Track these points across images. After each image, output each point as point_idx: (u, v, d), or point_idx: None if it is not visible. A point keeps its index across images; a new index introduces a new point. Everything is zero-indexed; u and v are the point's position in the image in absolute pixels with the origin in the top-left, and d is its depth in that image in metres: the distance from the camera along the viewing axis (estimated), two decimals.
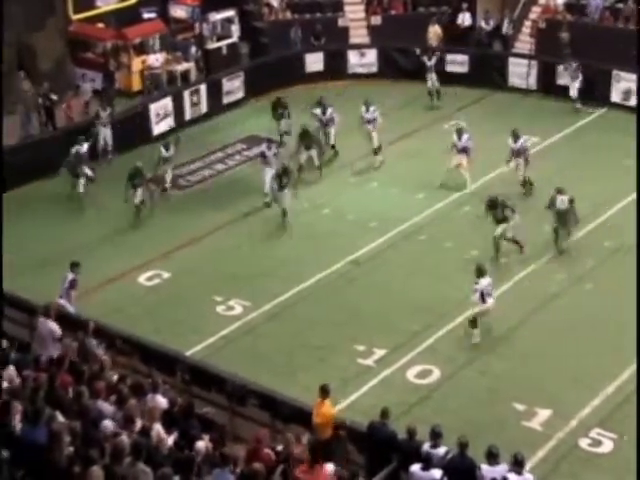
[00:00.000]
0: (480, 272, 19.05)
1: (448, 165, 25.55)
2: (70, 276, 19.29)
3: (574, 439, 16.50)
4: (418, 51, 31.90)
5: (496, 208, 21.79)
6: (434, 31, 33.96)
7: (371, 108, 27.04)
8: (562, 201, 22.08)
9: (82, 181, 25.26)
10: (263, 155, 25.41)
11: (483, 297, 18.90)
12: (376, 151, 27.07)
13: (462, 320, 19.75)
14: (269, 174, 25.00)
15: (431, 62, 31.27)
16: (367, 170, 26.86)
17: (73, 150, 25.42)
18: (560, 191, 22.20)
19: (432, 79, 31.16)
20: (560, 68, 30.99)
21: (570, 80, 30.56)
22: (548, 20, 33.51)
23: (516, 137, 24.89)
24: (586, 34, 32.07)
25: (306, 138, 26.47)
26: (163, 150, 26.00)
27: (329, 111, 27.49)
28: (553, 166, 26.70)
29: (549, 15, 33.72)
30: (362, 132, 27.21)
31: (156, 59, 32.03)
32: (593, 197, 24.45)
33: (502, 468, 12.95)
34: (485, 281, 18.94)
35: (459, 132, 25.71)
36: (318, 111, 27.65)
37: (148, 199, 24.79)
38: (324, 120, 27.51)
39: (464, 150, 25.47)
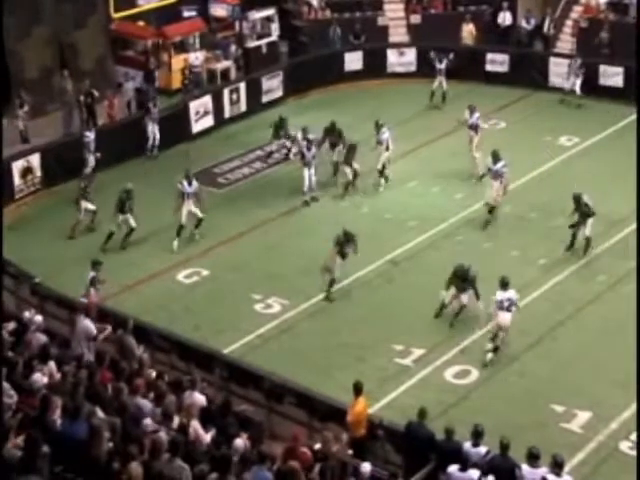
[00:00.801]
0: (502, 284, 18.63)
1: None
2: (90, 274, 19.52)
3: (614, 442, 16.36)
4: (432, 54, 31.53)
5: (464, 281, 19.55)
6: (468, 30, 33.77)
7: (382, 129, 25.71)
8: (589, 198, 21.94)
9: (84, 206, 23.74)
10: (302, 155, 25.35)
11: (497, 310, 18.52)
12: (380, 172, 25.67)
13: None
14: (307, 173, 25.00)
15: (441, 65, 31.07)
16: (407, 170, 26.71)
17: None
18: (579, 197, 21.85)
19: (440, 81, 30.99)
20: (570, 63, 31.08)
21: (573, 76, 30.63)
22: (590, 19, 33.26)
23: (495, 159, 23.67)
24: (628, 34, 31.74)
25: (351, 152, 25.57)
26: (185, 184, 23.13)
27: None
28: (593, 166, 26.55)
29: (591, 14, 33.46)
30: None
31: (196, 57, 32.14)
32: (633, 197, 24.21)
33: (543, 470, 12.88)
34: (504, 295, 18.45)
35: (471, 110, 26.11)
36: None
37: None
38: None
39: (472, 127, 25.91)
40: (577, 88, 30.60)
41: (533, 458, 12.91)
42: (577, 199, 21.94)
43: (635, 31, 31.49)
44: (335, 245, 20.84)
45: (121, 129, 28.48)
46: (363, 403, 14.94)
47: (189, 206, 23.19)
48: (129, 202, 22.91)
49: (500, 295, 18.55)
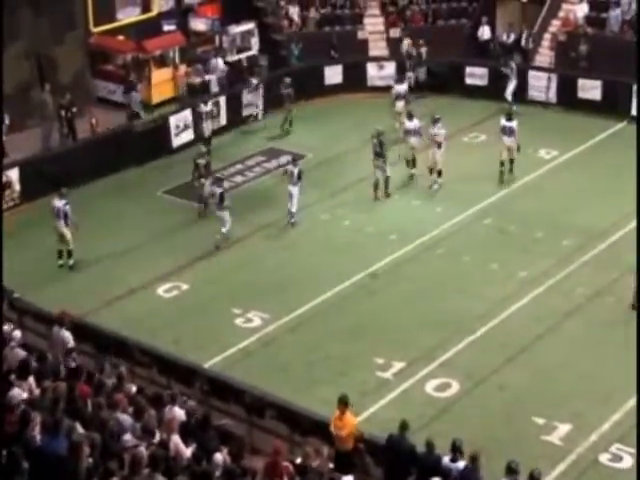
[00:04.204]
0: None
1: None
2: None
3: (594, 454, 16.39)
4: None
5: None
6: (409, 43, 34.09)
7: (438, 124, 26.19)
8: None
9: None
10: (288, 172, 24.92)
11: None
12: (439, 172, 26.32)
13: (482, 333, 19.74)
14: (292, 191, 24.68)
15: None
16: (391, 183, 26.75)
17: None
18: None
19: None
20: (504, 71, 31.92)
21: (508, 81, 31.48)
22: (568, 33, 33.48)
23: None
24: (606, 47, 32.01)
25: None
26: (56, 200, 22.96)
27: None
28: (572, 179, 26.71)
29: (569, 28, 33.68)
30: None
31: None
32: (614, 210, 24.40)
33: None
34: None
35: (410, 116, 27.11)
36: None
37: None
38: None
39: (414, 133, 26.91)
40: (509, 94, 31.49)
41: (512, 473, 12.88)
42: None
43: (614, 45, 31.83)
44: None
45: (101, 143, 28.45)
46: (351, 414, 14.92)
47: (60, 226, 22.67)
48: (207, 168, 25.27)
49: None
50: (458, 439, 13.50)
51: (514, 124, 26.44)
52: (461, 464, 13.32)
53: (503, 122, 26.62)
